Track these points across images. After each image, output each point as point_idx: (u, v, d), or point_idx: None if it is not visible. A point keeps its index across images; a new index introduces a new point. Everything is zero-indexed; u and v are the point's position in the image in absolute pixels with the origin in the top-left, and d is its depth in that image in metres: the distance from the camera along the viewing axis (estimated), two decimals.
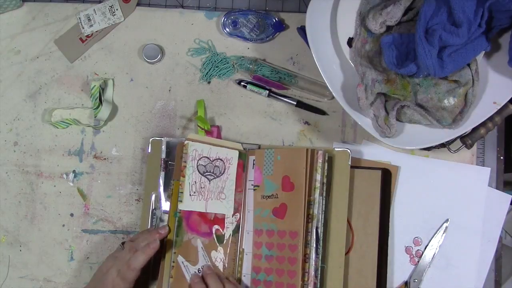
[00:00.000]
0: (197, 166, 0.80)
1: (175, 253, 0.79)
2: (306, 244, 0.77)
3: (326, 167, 0.79)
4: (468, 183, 0.83)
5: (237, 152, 0.81)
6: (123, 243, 0.76)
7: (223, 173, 0.81)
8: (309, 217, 0.77)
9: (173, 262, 0.78)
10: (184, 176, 0.80)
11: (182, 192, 0.80)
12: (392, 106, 0.74)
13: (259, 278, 0.78)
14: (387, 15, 0.73)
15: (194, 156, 0.80)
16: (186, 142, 0.80)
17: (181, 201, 0.79)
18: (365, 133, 0.79)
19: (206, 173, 0.80)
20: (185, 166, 0.80)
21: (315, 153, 0.79)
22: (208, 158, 0.80)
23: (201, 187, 0.80)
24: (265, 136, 0.86)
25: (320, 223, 0.78)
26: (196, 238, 0.80)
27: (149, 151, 0.83)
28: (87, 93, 0.87)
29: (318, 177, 0.78)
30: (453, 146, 0.82)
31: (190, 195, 0.80)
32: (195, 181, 0.80)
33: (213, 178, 0.80)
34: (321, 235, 0.78)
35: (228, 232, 0.81)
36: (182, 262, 0.79)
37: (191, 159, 0.80)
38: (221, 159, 0.81)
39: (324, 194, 0.78)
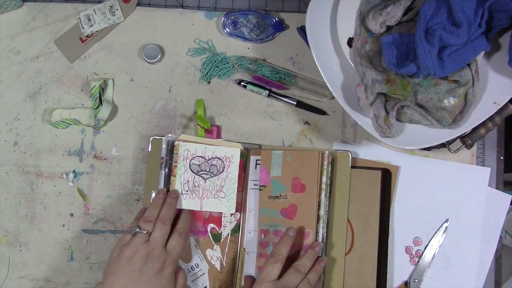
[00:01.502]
0: (189, 165, 0.80)
1: None
2: None
3: (330, 169, 0.79)
4: (468, 183, 0.83)
5: (238, 150, 0.81)
6: (134, 230, 0.72)
7: (221, 171, 0.80)
8: (318, 218, 0.77)
9: None
10: (174, 176, 0.80)
11: None
12: (392, 106, 0.74)
13: None
14: (387, 15, 0.73)
15: (186, 156, 0.80)
16: (176, 143, 0.81)
17: None
18: (365, 133, 0.79)
19: (201, 172, 0.80)
20: (175, 166, 0.80)
21: (323, 156, 0.79)
22: (203, 157, 0.80)
23: (195, 186, 0.80)
24: (265, 136, 0.86)
25: (324, 224, 0.78)
26: (188, 236, 0.80)
27: (149, 150, 0.83)
28: (87, 93, 0.87)
29: (324, 179, 0.78)
30: (453, 146, 0.82)
31: (181, 193, 0.80)
32: (187, 180, 0.80)
33: (209, 177, 0.80)
34: (325, 235, 0.78)
35: (226, 231, 0.81)
36: None
37: (182, 159, 0.80)
38: (219, 158, 0.80)
39: (328, 195, 0.79)
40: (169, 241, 0.72)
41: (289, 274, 0.71)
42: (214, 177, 0.80)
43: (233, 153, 0.81)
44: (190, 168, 0.80)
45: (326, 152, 0.79)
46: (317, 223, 0.77)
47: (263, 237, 0.79)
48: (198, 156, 0.80)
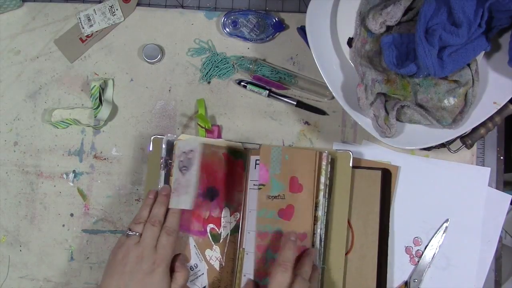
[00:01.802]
0: (178, 163, 0.78)
1: None
2: (312, 245, 0.77)
3: (329, 169, 0.79)
4: (468, 183, 0.83)
5: (196, 139, 0.77)
6: (125, 232, 0.74)
7: (193, 164, 0.77)
8: (315, 219, 0.77)
9: None
10: (172, 176, 0.78)
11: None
12: (392, 106, 0.74)
13: (263, 283, 0.76)
14: (387, 15, 0.73)
15: (178, 154, 0.78)
16: (175, 142, 0.79)
17: None
18: (365, 133, 0.79)
19: (182, 168, 0.78)
20: (173, 166, 0.78)
21: (321, 156, 0.79)
22: (185, 152, 0.78)
23: (178, 183, 0.77)
24: (265, 136, 0.86)
25: (322, 225, 0.78)
26: (187, 236, 0.80)
27: (150, 149, 0.83)
28: (87, 93, 0.87)
29: (323, 179, 0.78)
30: (453, 146, 0.82)
31: (172, 192, 0.77)
32: (176, 178, 0.78)
33: (185, 171, 0.78)
34: (323, 236, 0.78)
35: (225, 231, 0.81)
36: None
37: (176, 158, 0.78)
38: (192, 150, 0.78)
39: (327, 196, 0.79)
40: (159, 241, 0.72)
41: (298, 283, 0.70)
42: (188, 172, 0.77)
43: (195, 144, 0.77)
44: (178, 166, 0.78)
45: (325, 152, 0.79)
46: (314, 224, 0.77)
47: (261, 241, 0.78)
48: (183, 152, 0.78)
